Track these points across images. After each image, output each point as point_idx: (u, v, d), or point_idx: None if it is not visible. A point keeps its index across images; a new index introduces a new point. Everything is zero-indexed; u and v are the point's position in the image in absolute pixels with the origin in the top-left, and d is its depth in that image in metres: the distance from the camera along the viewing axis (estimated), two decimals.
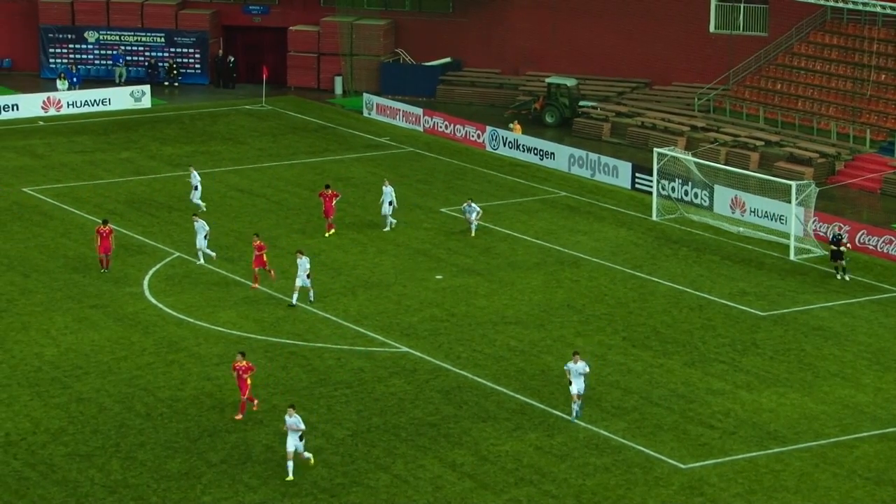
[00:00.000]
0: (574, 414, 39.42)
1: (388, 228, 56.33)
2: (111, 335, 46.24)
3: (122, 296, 49.76)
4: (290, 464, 36.19)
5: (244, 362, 39.86)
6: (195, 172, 59.41)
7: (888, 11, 63.87)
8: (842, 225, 53.99)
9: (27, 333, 46.31)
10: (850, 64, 68.88)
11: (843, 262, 51.09)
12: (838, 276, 51.22)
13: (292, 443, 36.32)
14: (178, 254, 53.74)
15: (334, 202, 55.81)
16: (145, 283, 50.93)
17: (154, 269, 52.42)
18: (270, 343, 45.56)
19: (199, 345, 45.31)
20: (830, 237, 52.04)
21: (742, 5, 74.14)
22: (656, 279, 51.62)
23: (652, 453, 38.02)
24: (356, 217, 57.62)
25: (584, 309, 48.54)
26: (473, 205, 56.14)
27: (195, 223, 52.54)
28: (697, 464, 37.46)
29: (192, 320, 47.33)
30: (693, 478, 36.74)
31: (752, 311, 48.55)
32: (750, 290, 50.52)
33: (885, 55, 68.25)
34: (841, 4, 65.82)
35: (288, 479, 35.88)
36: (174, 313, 47.95)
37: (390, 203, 56.41)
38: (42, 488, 36.11)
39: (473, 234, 55.75)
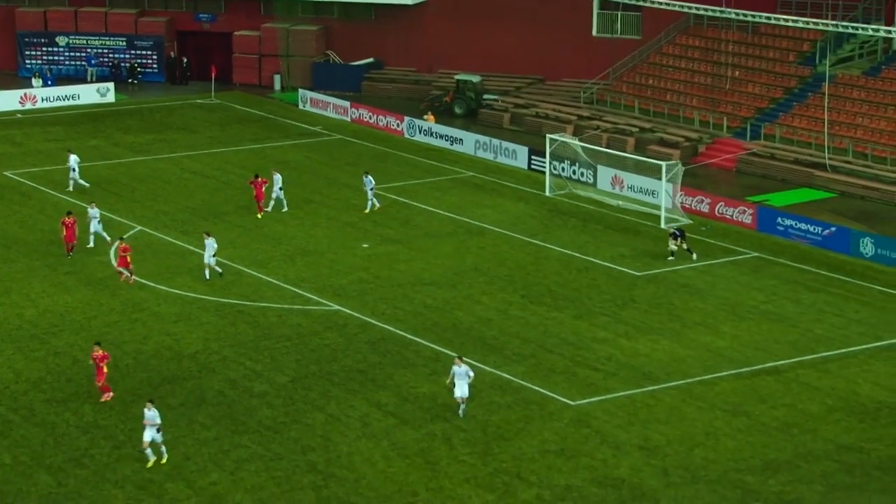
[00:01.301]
0: (461, 414, 36.35)
1: (284, 209, 54.60)
2: (83, 298, 45.73)
3: (91, 264, 49.18)
4: (149, 451, 33.55)
5: (100, 351, 37.38)
6: (72, 156, 58.22)
7: (741, 18, 64.30)
8: (679, 229, 51.06)
9: (9, 297, 45.66)
10: (709, 62, 69.35)
11: (684, 244, 49.42)
12: (680, 250, 49.46)
13: (150, 435, 33.50)
14: (140, 227, 53.19)
15: (263, 188, 54.97)
16: (112, 252, 50.35)
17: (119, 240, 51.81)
18: (221, 303, 45.22)
19: (159, 305, 44.88)
20: (673, 231, 50.06)
21: (620, 13, 74.42)
22: (549, 245, 51.78)
23: (546, 392, 38.21)
24: (293, 195, 57.22)
25: (488, 271, 48.61)
26: (370, 176, 55.33)
27: (89, 210, 50.49)
28: (585, 400, 37.70)
29: (152, 284, 46.86)
30: (581, 412, 36.99)
31: (630, 271, 48.86)
32: (628, 253, 50.83)
33: (739, 55, 68.81)
34: (702, 12, 66.12)
35: (148, 464, 33.51)
36: (137, 278, 47.43)
37: (280, 188, 54.78)
38: (24, 429, 35.75)
39: (370, 209, 54.77)
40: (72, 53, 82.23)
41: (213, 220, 54.33)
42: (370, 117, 72.01)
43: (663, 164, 55.55)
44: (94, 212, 50.56)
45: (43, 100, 75.86)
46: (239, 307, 44.94)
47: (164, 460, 33.73)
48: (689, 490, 32.78)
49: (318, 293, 46.26)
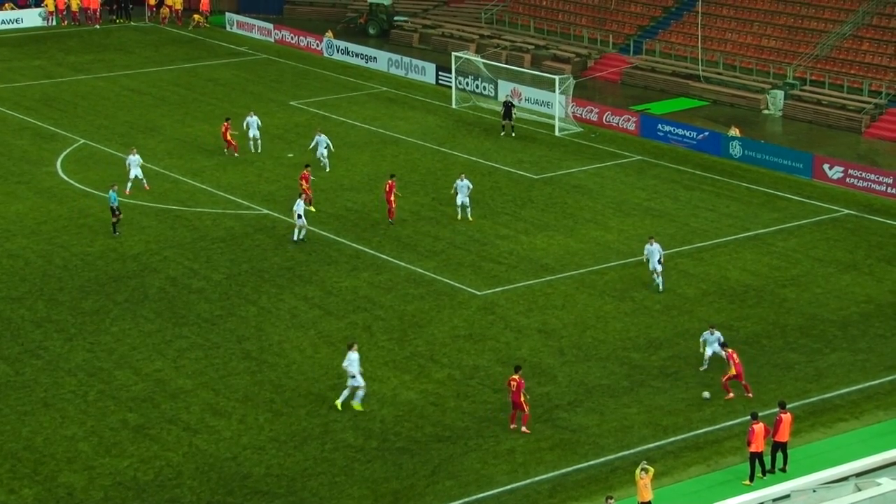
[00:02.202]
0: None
1: (259, 150, 50.18)
2: (33, 205, 44.74)
3: (40, 174, 48.08)
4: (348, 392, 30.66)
5: (517, 377, 29.72)
6: (133, 156, 45.69)
7: None
8: (512, 98, 53.77)
9: None
10: None
11: (512, 122, 50.54)
12: (503, 133, 52.17)
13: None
14: (83, 141, 52.04)
15: (228, 133, 49.90)
16: (58, 163, 49.26)
17: (65, 152, 50.72)
18: (160, 209, 44.53)
19: (103, 211, 43.92)
20: (503, 103, 50.45)
21: None
22: (456, 153, 51.57)
23: (456, 284, 38.29)
24: (223, 109, 56.28)
25: (402, 177, 48.21)
26: (323, 136, 48.63)
27: (130, 156, 45.35)
28: (490, 290, 37.86)
29: (96, 192, 45.94)
30: (487, 301, 37.16)
31: (528, 174, 48.88)
32: (526, 159, 50.82)
33: None
34: None
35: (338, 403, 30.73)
36: (82, 187, 46.52)
37: (258, 127, 50.41)
38: None
39: (328, 169, 48.09)
40: None
41: (150, 134, 53.29)
42: (292, 38, 70.83)
43: (556, 77, 55.41)
44: (134, 158, 45.33)
45: None
46: (176, 212, 44.28)
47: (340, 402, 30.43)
48: (583, 367, 33.18)
49: (248, 199, 45.69)
